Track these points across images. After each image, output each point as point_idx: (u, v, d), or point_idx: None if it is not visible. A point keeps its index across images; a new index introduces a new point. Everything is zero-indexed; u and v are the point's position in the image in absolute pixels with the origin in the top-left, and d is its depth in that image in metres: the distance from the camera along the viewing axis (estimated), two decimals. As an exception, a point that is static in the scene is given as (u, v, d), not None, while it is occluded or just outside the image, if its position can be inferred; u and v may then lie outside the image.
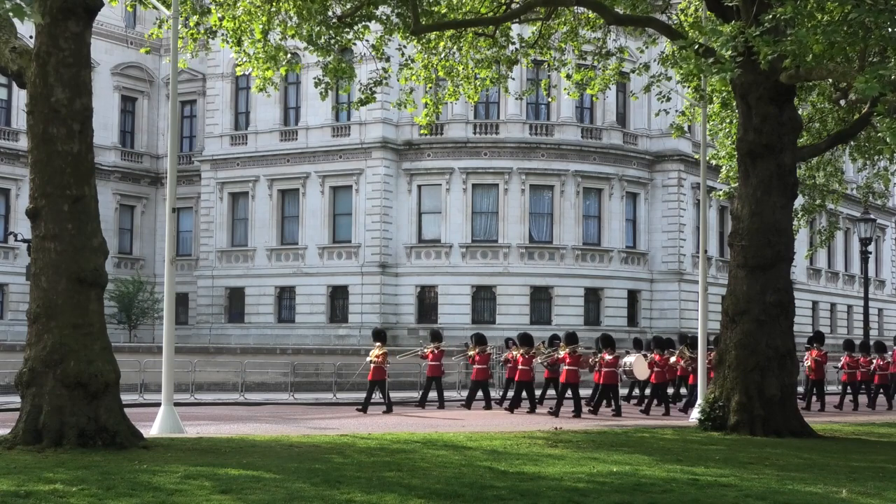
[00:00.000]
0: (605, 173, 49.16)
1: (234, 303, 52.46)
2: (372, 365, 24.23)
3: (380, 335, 25.15)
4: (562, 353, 24.48)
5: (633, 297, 50.18)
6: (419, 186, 48.92)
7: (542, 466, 12.98)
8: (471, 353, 26.48)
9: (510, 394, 26.35)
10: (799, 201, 27.07)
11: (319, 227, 50.05)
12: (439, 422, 21.43)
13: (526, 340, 25.44)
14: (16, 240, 45.14)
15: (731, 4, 18.82)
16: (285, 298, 51.29)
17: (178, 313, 48.30)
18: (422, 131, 31.85)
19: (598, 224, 49.38)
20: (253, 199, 51.87)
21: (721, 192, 33.03)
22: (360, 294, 48.67)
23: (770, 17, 15.80)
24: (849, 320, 62.82)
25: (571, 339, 24.69)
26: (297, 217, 50.93)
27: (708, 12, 20.66)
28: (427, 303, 48.72)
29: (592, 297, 48.99)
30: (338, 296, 49.83)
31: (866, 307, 42.22)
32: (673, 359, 27.02)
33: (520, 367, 24.93)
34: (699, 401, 21.89)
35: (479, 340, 26.62)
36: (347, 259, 49.43)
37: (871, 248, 48.73)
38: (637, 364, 26.17)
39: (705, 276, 23.38)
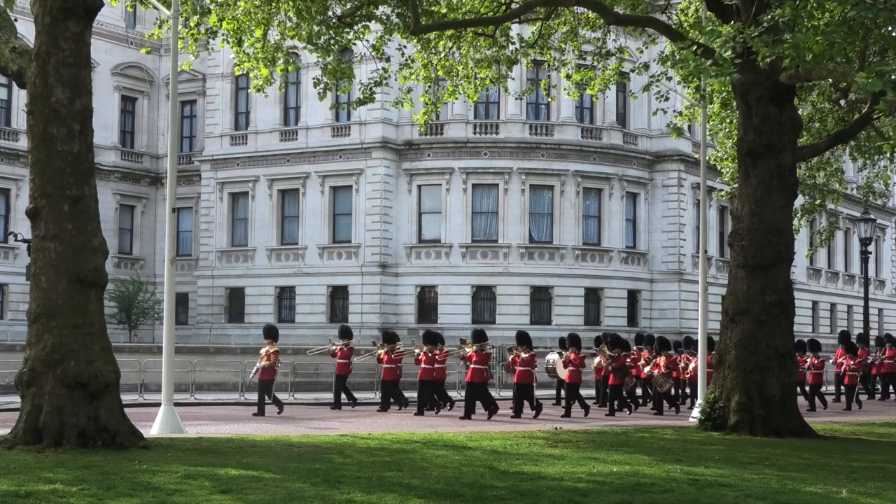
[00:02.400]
0: (605, 173, 49.17)
1: (234, 303, 52.47)
2: (261, 364, 23.09)
3: (271, 332, 23.96)
4: (468, 351, 23.30)
5: (633, 297, 50.19)
6: (419, 186, 48.93)
7: (542, 466, 12.98)
8: (379, 351, 25.13)
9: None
10: (799, 201, 27.07)
11: (319, 227, 50.06)
12: (438, 421, 21.43)
13: (430, 339, 24.23)
14: (16, 240, 45.14)
15: (730, 3, 18.82)
16: (285, 298, 51.29)
17: (178, 313, 48.30)
18: (420, 128, 31.87)
19: (598, 224, 49.39)
20: (253, 199, 51.88)
21: (723, 193, 33.06)
22: (360, 294, 48.68)
23: (769, 17, 15.80)
24: (849, 320, 62.81)
25: (478, 336, 23.53)
26: (297, 217, 50.94)
27: (708, 12, 20.66)
28: (427, 303, 48.73)
29: (592, 297, 49.00)
30: (338, 296, 49.83)
31: (866, 307, 42.23)
32: (598, 358, 25.85)
33: (422, 365, 23.69)
34: (699, 401, 21.87)
35: (388, 339, 25.18)
36: (347, 259, 49.44)
37: (871, 248, 48.75)
38: (560, 363, 25.19)
39: (705, 276, 23.37)
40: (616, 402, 24.97)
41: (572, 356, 24.32)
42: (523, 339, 23.90)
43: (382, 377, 25.04)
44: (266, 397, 23.09)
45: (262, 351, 23.43)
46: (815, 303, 59.97)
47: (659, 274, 50.41)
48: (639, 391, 27.41)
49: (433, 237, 48.73)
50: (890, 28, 16.02)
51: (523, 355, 23.46)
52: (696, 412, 21.40)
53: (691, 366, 26.56)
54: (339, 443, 15.88)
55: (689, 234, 50.26)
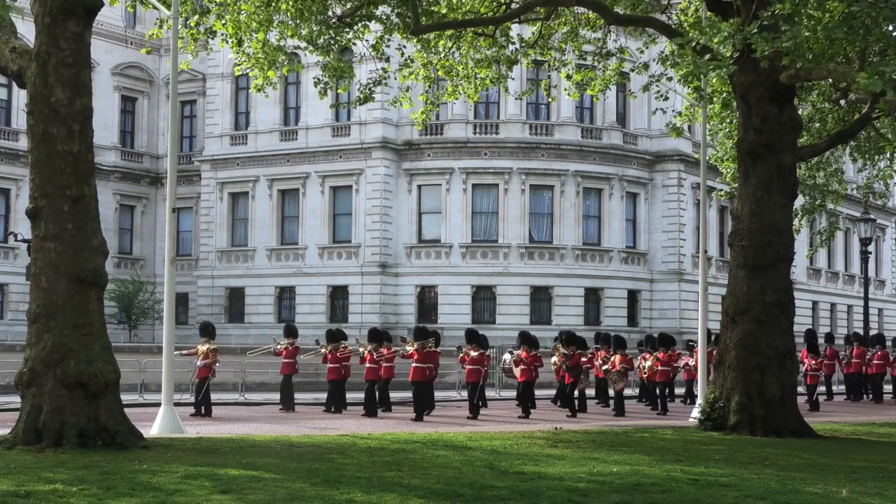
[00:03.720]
0: (605, 173, 49.17)
1: (234, 303, 52.47)
2: (198, 363, 22.42)
3: (207, 329, 23.43)
4: (409, 350, 22.43)
5: (633, 297, 50.19)
6: (419, 186, 48.93)
7: (542, 466, 12.97)
8: (323, 351, 24.36)
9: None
10: (799, 201, 27.06)
11: (319, 227, 50.06)
12: (435, 422, 21.43)
13: (374, 337, 23.47)
14: (16, 240, 45.12)
15: (730, 1, 18.82)
16: (285, 298, 51.29)
17: (178, 313, 48.30)
18: (418, 127, 31.89)
19: (598, 224, 49.38)
20: (253, 199, 51.88)
21: (722, 193, 33.06)
22: (360, 294, 48.68)
23: (768, 14, 15.81)
24: (849, 320, 62.83)
25: (420, 334, 22.66)
26: (297, 217, 50.94)
27: (708, 13, 20.67)
28: (427, 303, 48.73)
29: (592, 297, 48.99)
30: (338, 296, 49.83)
31: (866, 307, 42.21)
32: (555, 357, 24.88)
33: (367, 364, 23.03)
34: (699, 400, 21.85)
35: (332, 337, 24.27)
36: (347, 259, 49.44)
37: (871, 248, 48.74)
38: (513, 363, 24.43)
39: (705, 276, 23.36)
40: (572, 402, 24.10)
41: (523, 354, 23.68)
42: (473, 337, 23.31)
43: (327, 377, 24.30)
44: (203, 396, 22.38)
45: (200, 349, 22.75)
46: (815, 303, 59.96)
47: (659, 274, 50.41)
48: (591, 391, 26.74)
49: (433, 237, 48.73)
50: (891, 27, 16.03)
51: (472, 353, 22.89)
52: (695, 412, 21.39)
53: (647, 364, 26.11)
54: (340, 443, 15.88)
55: (689, 234, 50.26)
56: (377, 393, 23.22)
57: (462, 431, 18.32)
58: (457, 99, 25.63)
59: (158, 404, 18.00)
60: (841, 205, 37.13)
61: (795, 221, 24.14)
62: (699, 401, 21.93)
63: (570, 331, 26.73)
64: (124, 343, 43.07)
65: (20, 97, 46.43)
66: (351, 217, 49.46)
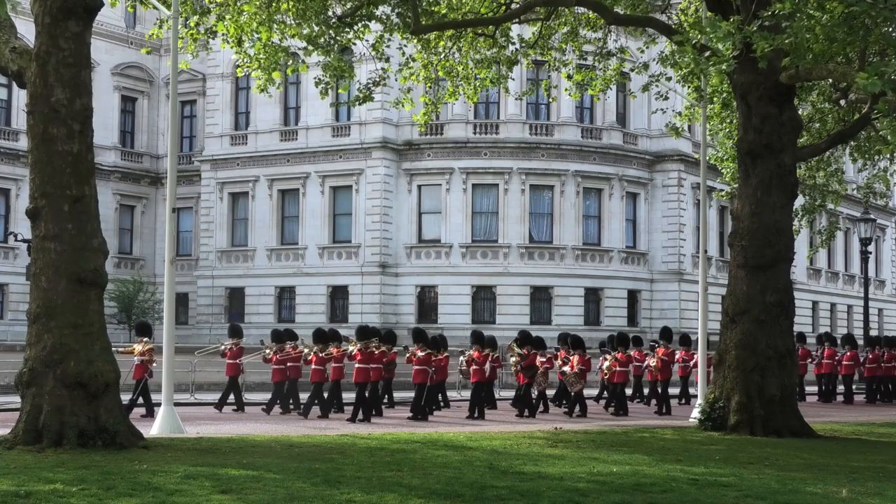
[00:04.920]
0: (605, 173, 49.17)
1: (234, 303, 52.45)
2: (135, 362, 21.70)
3: (143, 329, 23.07)
4: (352, 350, 21.79)
5: (633, 297, 50.18)
6: (419, 186, 48.93)
7: (542, 466, 12.98)
8: (267, 351, 23.86)
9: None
10: (799, 201, 27.06)
11: (319, 227, 50.05)
12: (433, 422, 21.42)
13: (319, 338, 22.68)
14: (16, 240, 45.10)
15: (731, 1, 18.82)
16: (285, 298, 51.29)
17: (178, 313, 48.30)
18: (420, 129, 31.89)
19: (598, 224, 49.38)
20: (253, 199, 51.88)
21: (722, 193, 33.07)
22: (360, 294, 48.67)
23: (769, 13, 15.82)
24: (849, 320, 62.84)
25: (362, 333, 21.91)
26: (297, 217, 50.94)
27: (708, 13, 20.67)
28: (427, 303, 48.73)
29: (592, 297, 48.99)
30: (338, 296, 49.83)
31: (866, 307, 42.23)
32: (513, 359, 23.94)
33: (313, 366, 22.38)
34: (702, 401, 21.83)
35: (277, 338, 23.80)
36: (347, 259, 49.44)
37: (871, 248, 48.75)
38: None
39: (705, 276, 23.35)
40: (528, 402, 23.56)
41: (475, 354, 23.18)
42: (419, 336, 22.76)
43: (272, 378, 23.77)
44: (141, 395, 21.97)
45: (136, 348, 22.34)
46: (815, 303, 59.96)
47: (659, 274, 50.41)
48: (551, 392, 26.22)
49: (433, 237, 48.73)
50: (890, 28, 16.03)
51: (419, 354, 22.29)
52: (695, 412, 21.39)
53: (605, 365, 25.53)
54: (340, 443, 15.89)
55: (689, 234, 50.26)
56: (324, 394, 22.57)
57: (462, 431, 18.33)
58: (457, 100, 25.64)
59: (158, 404, 18.00)
60: (841, 205, 37.14)
61: (795, 221, 24.14)
62: (699, 401, 21.92)
63: (525, 331, 26.06)
64: (124, 343, 43.01)
65: (20, 97, 46.43)
66: (351, 217, 49.46)
